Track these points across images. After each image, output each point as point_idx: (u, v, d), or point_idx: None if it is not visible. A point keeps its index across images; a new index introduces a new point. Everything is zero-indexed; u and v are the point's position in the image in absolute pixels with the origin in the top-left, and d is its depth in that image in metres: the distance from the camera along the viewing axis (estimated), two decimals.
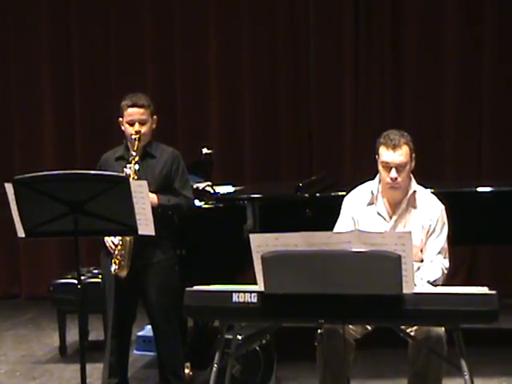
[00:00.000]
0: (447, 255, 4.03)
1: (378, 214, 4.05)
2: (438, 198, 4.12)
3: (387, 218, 4.04)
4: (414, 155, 4.00)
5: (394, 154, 3.91)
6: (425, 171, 6.74)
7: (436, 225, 4.00)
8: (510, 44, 7.13)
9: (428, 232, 3.99)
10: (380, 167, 3.99)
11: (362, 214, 4.07)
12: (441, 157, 7.27)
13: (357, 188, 4.19)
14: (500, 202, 5.19)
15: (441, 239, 4.00)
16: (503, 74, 7.15)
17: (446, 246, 4.03)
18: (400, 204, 4.02)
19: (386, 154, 3.93)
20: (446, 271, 3.98)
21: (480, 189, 5.28)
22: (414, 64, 7.30)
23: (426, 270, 3.90)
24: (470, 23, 7.18)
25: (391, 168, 3.92)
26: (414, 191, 4.04)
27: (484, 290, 3.33)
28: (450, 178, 7.10)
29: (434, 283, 3.87)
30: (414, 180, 4.08)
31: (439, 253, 3.98)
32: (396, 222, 4.03)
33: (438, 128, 7.28)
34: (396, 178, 3.93)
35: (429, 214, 4.01)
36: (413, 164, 4.00)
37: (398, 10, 7.29)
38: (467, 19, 7.19)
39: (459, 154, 7.24)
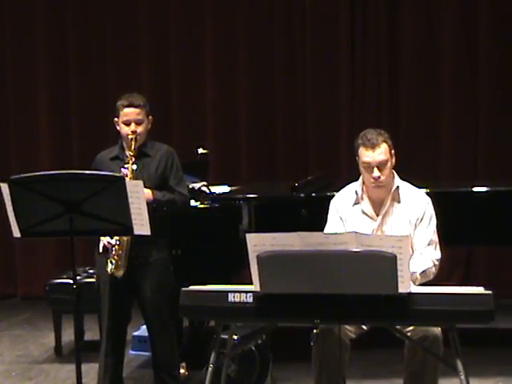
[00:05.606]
0: (438, 247, 4.00)
1: (364, 213, 4.05)
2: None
3: (373, 216, 4.04)
4: (393, 151, 4.00)
5: (373, 153, 3.92)
6: (421, 171, 6.89)
7: (423, 217, 3.99)
8: (506, 42, 7.13)
9: (416, 225, 3.98)
10: (362, 168, 3.99)
11: (348, 213, 4.08)
12: (437, 157, 7.28)
13: (342, 190, 4.20)
14: (496, 202, 5.19)
15: (429, 231, 3.99)
16: (500, 73, 7.16)
17: (436, 238, 4.00)
18: (385, 201, 4.03)
19: (366, 155, 3.94)
20: (437, 263, 3.95)
21: (476, 189, 5.28)
22: (410, 64, 7.30)
23: (416, 261, 3.86)
24: (466, 22, 7.18)
25: (373, 168, 3.92)
26: (398, 186, 4.04)
27: (480, 290, 3.34)
28: (446, 178, 7.10)
29: (423, 274, 3.85)
30: (396, 176, 4.08)
31: (429, 244, 3.97)
32: (382, 220, 4.02)
33: (435, 128, 7.29)
34: (379, 177, 3.94)
35: (415, 207, 4.00)
36: (393, 160, 4.00)
37: (395, 9, 7.31)
38: (463, 18, 7.19)
39: (455, 154, 7.24)
